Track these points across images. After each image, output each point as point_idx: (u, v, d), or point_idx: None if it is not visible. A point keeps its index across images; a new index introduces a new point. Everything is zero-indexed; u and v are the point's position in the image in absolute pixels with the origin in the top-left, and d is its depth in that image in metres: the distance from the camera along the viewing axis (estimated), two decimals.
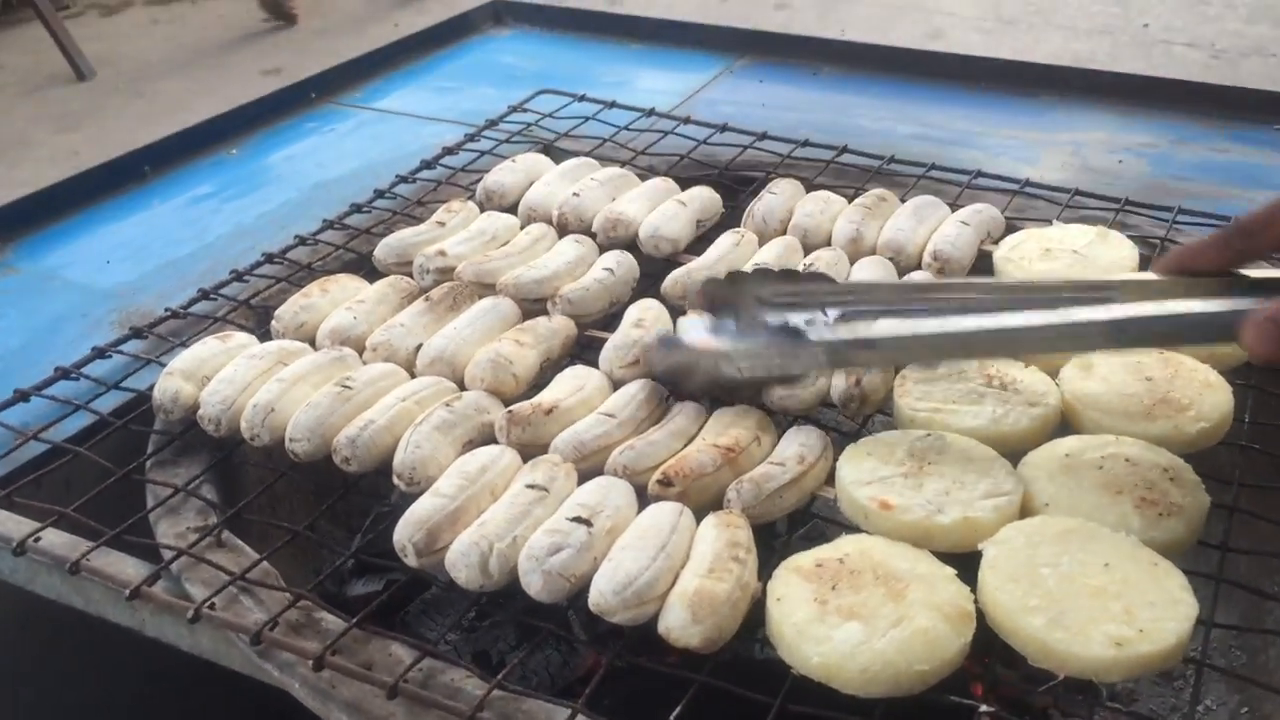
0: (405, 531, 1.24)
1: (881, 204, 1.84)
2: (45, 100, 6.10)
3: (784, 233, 1.82)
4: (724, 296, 1.27)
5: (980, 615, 1.14)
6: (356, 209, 1.98)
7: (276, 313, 1.62)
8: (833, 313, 1.25)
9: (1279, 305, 1.05)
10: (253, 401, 1.42)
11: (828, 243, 1.78)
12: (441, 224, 1.83)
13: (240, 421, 1.42)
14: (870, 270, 1.68)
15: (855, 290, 1.38)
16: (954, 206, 1.86)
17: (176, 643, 1.30)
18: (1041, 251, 1.71)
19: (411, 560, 1.24)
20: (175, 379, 1.48)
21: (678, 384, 1.41)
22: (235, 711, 1.65)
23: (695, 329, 1.29)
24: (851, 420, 1.47)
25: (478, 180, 2.00)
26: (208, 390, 1.45)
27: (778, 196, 1.88)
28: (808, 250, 1.76)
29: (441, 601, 1.62)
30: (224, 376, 1.47)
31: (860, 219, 1.78)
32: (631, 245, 1.81)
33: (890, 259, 1.72)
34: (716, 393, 1.43)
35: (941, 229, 1.76)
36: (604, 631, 1.21)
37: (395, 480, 1.34)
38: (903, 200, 1.87)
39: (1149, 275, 1.26)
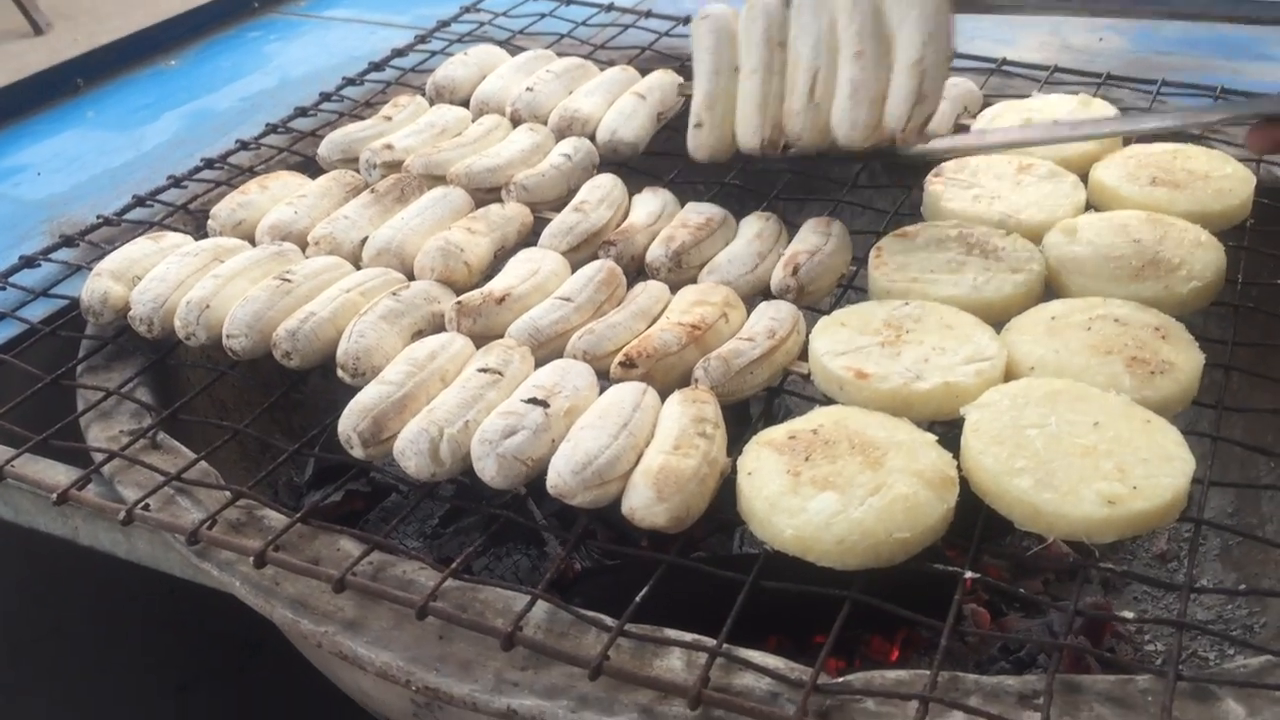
0: (350, 421, 1.16)
1: None
2: (2, 55, 5.93)
3: None
4: None
5: (965, 488, 1.08)
6: (301, 112, 1.88)
7: (213, 211, 1.53)
8: None
9: None
10: (186, 298, 1.33)
11: None
12: (388, 119, 1.73)
13: (174, 320, 1.33)
14: None
15: None
16: None
17: (113, 550, 1.22)
18: (1022, 121, 1.62)
19: (358, 451, 1.16)
20: (104, 279, 1.39)
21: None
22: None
23: None
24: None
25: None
26: (138, 289, 1.36)
27: None
28: None
29: (403, 509, 1.54)
30: (155, 275, 1.38)
31: None
32: (590, 137, 1.71)
33: None
34: None
35: None
36: (580, 533, 1.14)
37: (339, 372, 1.26)
38: None
39: None
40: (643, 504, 1.06)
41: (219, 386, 1.49)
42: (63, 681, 1.56)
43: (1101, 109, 1.63)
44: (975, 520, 1.07)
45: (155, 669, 1.65)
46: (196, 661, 1.69)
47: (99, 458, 1.22)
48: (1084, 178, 1.51)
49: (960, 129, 1.66)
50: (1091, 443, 1.06)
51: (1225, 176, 1.46)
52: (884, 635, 1.42)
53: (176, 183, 1.70)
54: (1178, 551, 1.57)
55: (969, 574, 1.02)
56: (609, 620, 1.01)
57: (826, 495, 1.03)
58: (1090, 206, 1.47)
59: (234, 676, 1.72)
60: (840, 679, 0.96)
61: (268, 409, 1.35)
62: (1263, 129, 1.18)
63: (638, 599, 1.02)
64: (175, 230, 1.55)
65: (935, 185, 1.51)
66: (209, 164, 1.74)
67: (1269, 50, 2.01)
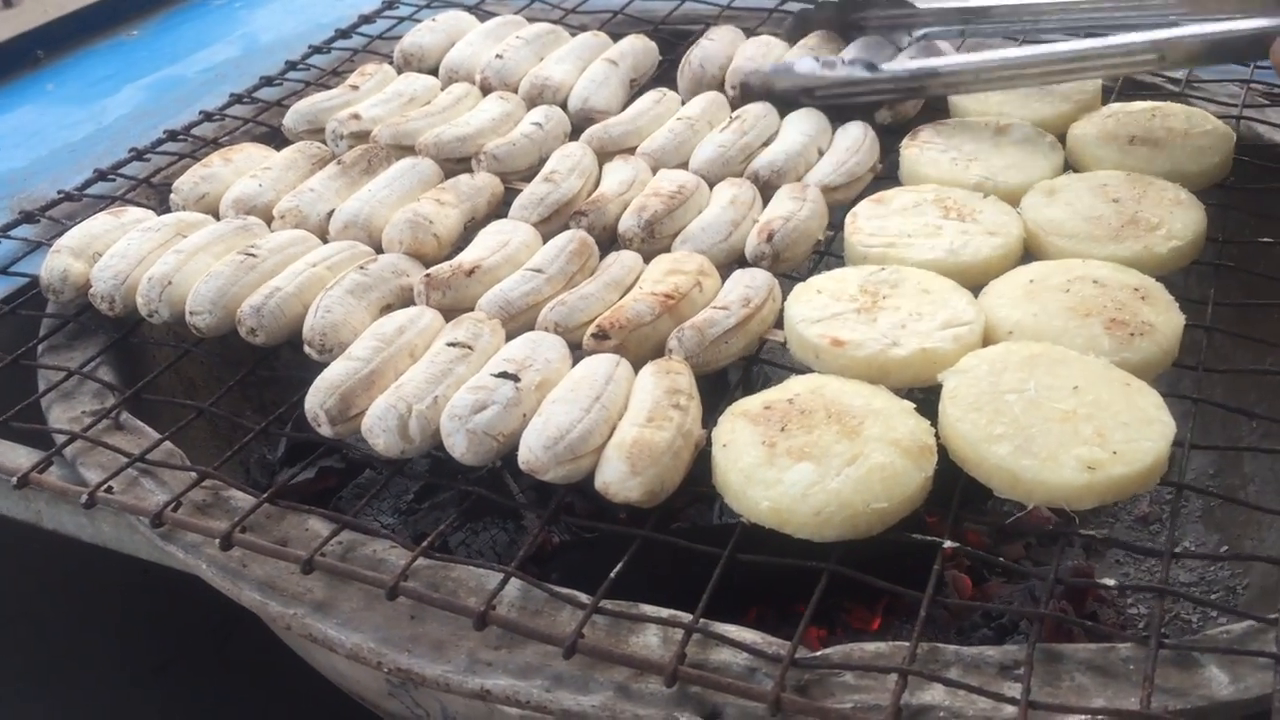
0: (316, 398, 1.14)
1: (826, 46, 1.72)
2: None
3: (723, 81, 1.70)
4: (834, 21, 1.74)
5: (944, 454, 1.06)
6: (267, 82, 1.84)
7: (175, 185, 1.50)
8: (918, 33, 1.66)
9: None
10: (148, 275, 1.30)
11: None
12: (355, 88, 1.69)
13: (136, 297, 1.30)
14: (798, 125, 1.57)
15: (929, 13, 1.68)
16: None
17: (77, 534, 1.20)
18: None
19: (325, 429, 1.14)
20: (64, 256, 1.35)
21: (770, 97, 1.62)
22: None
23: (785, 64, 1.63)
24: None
25: None
26: (99, 266, 1.33)
27: (715, 43, 1.76)
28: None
29: (377, 485, 1.52)
30: (116, 251, 1.34)
31: None
32: (562, 105, 1.68)
33: None
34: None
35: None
36: (555, 506, 1.12)
37: (306, 349, 1.23)
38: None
39: None
40: (616, 478, 1.04)
41: (187, 364, 1.46)
42: (35, 666, 1.54)
43: None
44: (954, 488, 1.05)
45: (130, 650, 1.63)
46: (173, 642, 1.67)
47: (60, 439, 1.19)
48: (1062, 138, 1.48)
49: None
50: (1071, 407, 1.04)
51: (1205, 134, 1.44)
52: (866, 603, 1.40)
53: (139, 155, 1.66)
54: (1160, 514, 1.56)
55: (948, 543, 1.00)
56: (584, 597, 1.00)
57: (803, 466, 1.01)
58: (1069, 167, 1.45)
59: (212, 656, 1.70)
60: (818, 653, 0.95)
61: (236, 386, 1.32)
62: None
63: (611, 575, 1.00)
64: (138, 205, 1.52)
65: (911, 149, 1.48)
66: (172, 136, 1.70)
67: None
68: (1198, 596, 1.14)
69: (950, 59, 1.48)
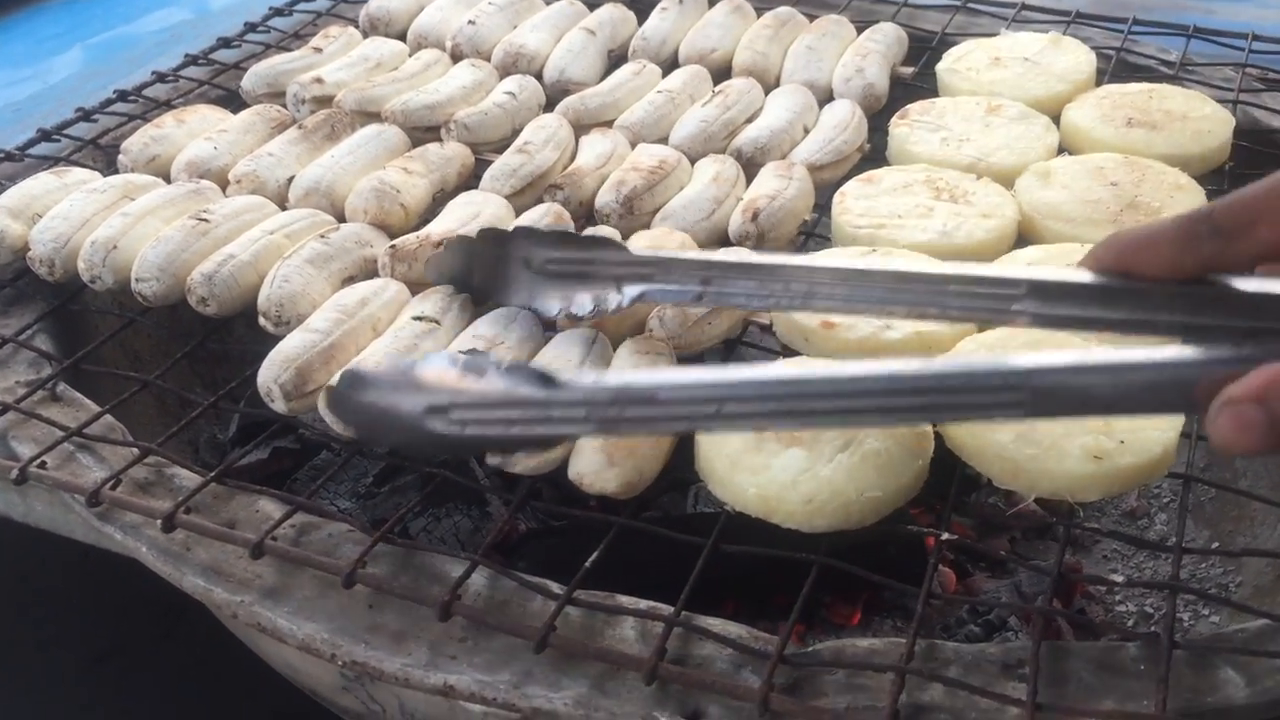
0: (270, 372, 1.06)
1: (784, 27, 1.66)
2: None
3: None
4: (475, 264, 1.04)
5: (940, 442, 1.00)
6: (224, 43, 1.76)
7: (124, 145, 1.41)
8: (629, 290, 0.98)
9: (1262, 378, 0.61)
10: (91, 238, 1.21)
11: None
12: (318, 50, 1.61)
13: (78, 262, 1.22)
14: (783, 102, 1.50)
15: (659, 264, 0.97)
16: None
17: (8, 513, 1.11)
18: (990, 60, 1.54)
19: (279, 405, 1.06)
20: (1, 217, 1.27)
21: (370, 440, 1.04)
22: None
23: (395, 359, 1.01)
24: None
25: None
26: (38, 228, 1.25)
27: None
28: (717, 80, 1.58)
29: (335, 467, 1.45)
30: (58, 213, 1.26)
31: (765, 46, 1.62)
32: (537, 75, 1.61)
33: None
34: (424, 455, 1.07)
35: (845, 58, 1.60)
36: (525, 491, 1.05)
37: (261, 320, 1.15)
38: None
39: (1073, 275, 0.76)
40: (591, 469, 0.97)
41: (132, 336, 1.37)
42: None
43: (1073, 47, 1.56)
44: (947, 478, 1.00)
45: (72, 638, 1.54)
46: (116, 630, 1.58)
47: None
48: (1056, 119, 1.43)
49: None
50: None
51: (1204, 117, 1.40)
52: (846, 596, 1.35)
53: (86, 116, 1.57)
54: (1148, 508, 1.52)
55: (946, 535, 0.95)
56: (555, 587, 0.93)
57: (792, 452, 0.95)
58: (1063, 149, 1.40)
59: (158, 645, 1.61)
60: (809, 649, 0.89)
61: (185, 359, 1.24)
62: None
63: (587, 564, 0.94)
64: (83, 166, 1.43)
65: (900, 128, 1.43)
66: (122, 96, 1.61)
67: None
68: (1212, 595, 1.09)
69: (678, 377, 0.74)
